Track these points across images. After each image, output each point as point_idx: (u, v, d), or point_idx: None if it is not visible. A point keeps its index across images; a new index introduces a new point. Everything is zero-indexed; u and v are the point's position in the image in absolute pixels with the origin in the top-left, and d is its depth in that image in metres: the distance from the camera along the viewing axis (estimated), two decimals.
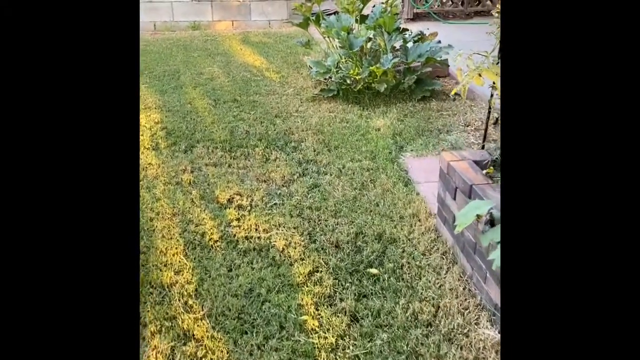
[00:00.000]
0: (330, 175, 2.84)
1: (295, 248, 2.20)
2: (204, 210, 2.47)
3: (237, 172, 2.87)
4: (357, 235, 2.29)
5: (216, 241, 2.24)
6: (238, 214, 2.45)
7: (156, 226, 2.33)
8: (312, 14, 4.35)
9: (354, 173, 2.86)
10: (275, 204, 2.56)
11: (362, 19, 4.23)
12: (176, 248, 2.18)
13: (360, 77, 3.84)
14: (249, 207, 2.51)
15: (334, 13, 4.83)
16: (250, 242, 2.24)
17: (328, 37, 4.30)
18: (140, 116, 3.61)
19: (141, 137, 3.27)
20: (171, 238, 2.25)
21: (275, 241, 2.24)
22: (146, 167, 2.88)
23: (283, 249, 2.20)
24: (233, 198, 2.60)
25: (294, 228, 2.34)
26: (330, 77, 4.13)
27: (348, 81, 3.95)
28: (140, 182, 2.71)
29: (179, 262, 2.10)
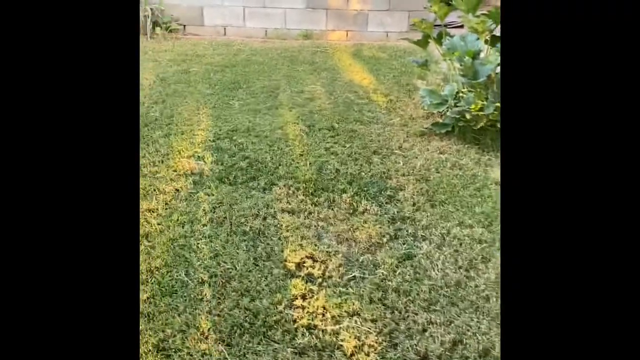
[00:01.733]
0: (430, 243, 2.30)
1: (369, 355, 1.70)
2: (266, 277, 2.07)
3: (316, 226, 2.43)
4: (454, 346, 1.73)
5: (271, 327, 1.82)
6: (305, 287, 2.01)
7: (205, 294, 1.96)
8: (437, 25, 3.79)
9: (461, 244, 2.29)
10: (353, 277, 2.09)
11: (494, 40, 3.58)
12: (220, 332, 1.79)
13: (483, 113, 3.22)
14: (320, 279, 2.07)
15: (461, 26, 4.23)
16: (313, 335, 1.78)
17: (449, 59, 3.72)
18: (225, 140, 3.34)
19: (219, 167, 2.97)
20: (219, 314, 1.87)
21: (343, 339, 1.76)
22: (215, 207, 2.56)
23: (352, 353, 1.71)
24: (304, 262, 2.17)
25: (372, 321, 1.85)
26: (446, 110, 3.55)
27: (467, 116, 3.34)
28: (204, 227, 2.38)
29: (219, 354, 1.71)
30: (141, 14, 6.45)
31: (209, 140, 3.36)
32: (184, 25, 6.88)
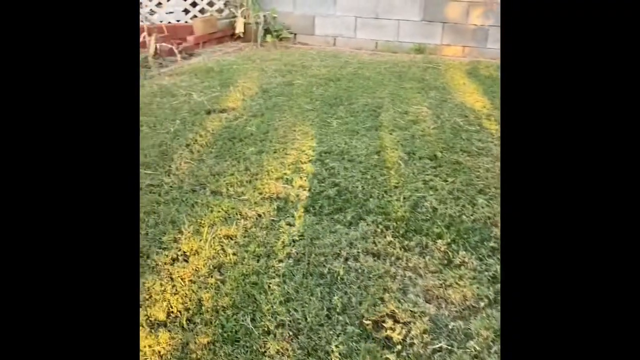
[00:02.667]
0: None
1: None
2: (338, 335, 1.85)
3: (402, 276, 2.16)
4: None
5: None
6: (381, 355, 1.76)
7: (268, 348, 1.79)
8: None
9: None
10: (439, 349, 1.79)
11: None
12: None
13: None
14: (399, 345, 1.80)
15: None
16: None
17: None
18: (316, 163, 3.17)
19: (306, 193, 2.81)
20: None
21: None
22: (295, 241, 2.39)
23: None
24: (383, 322, 1.91)
25: None
26: None
27: None
28: (279, 264, 2.22)
29: None
30: (253, 21, 6.56)
31: (300, 161, 3.21)
32: (295, 34, 6.90)
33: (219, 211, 2.62)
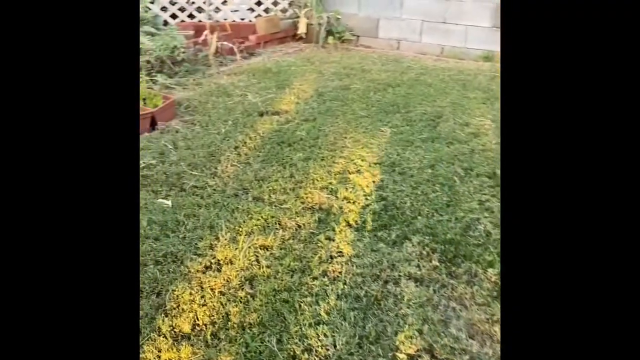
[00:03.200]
0: None
1: None
2: None
3: (445, 307, 2.00)
4: None
5: None
6: None
7: None
8: None
9: None
10: None
11: None
12: None
13: None
14: None
15: None
16: None
17: None
18: (365, 174, 3.04)
19: (350, 206, 2.69)
20: None
21: None
22: (333, 257, 2.28)
23: None
24: (419, 356, 1.77)
25: None
26: None
27: None
28: (313, 282, 2.11)
29: None
30: (315, 22, 6.50)
31: (348, 171, 3.09)
32: (358, 36, 6.78)
33: (258, 219, 2.55)
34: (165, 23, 6.26)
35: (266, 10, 6.75)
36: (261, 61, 5.57)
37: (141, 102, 3.83)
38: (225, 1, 6.46)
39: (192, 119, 3.87)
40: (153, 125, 3.73)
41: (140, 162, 3.13)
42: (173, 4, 6.30)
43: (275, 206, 2.68)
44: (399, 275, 2.18)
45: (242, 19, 6.70)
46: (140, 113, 3.66)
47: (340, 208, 2.68)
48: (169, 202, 2.68)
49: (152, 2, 6.08)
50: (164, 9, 6.29)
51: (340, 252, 2.33)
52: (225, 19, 6.48)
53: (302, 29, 6.58)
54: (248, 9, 6.79)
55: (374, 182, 2.96)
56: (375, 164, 3.19)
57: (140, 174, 2.99)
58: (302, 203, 2.72)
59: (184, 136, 3.54)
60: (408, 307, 1.99)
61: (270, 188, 2.86)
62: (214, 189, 2.84)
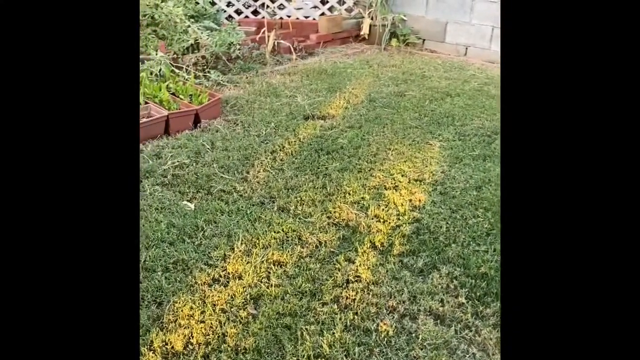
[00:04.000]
0: None
1: None
2: None
3: (464, 352, 1.80)
4: None
5: None
6: None
7: None
8: None
9: None
10: None
11: None
12: None
13: None
14: None
15: None
16: None
17: None
18: (401, 192, 2.85)
19: (378, 226, 2.52)
20: None
21: None
22: (348, 282, 2.13)
23: None
24: None
25: None
26: None
27: None
28: (322, 308, 1.98)
29: None
30: (379, 23, 6.31)
31: (384, 186, 2.92)
32: (423, 40, 6.52)
33: (278, 231, 2.44)
34: (231, 18, 6.31)
35: (330, 9, 6.64)
36: (318, 61, 5.47)
37: (186, 99, 3.84)
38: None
39: (236, 119, 3.83)
40: (197, 122, 3.72)
41: (174, 160, 3.11)
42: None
43: (300, 219, 2.56)
44: (419, 310, 1.99)
45: (307, 17, 6.63)
46: (184, 110, 3.67)
47: (368, 227, 2.51)
48: (192, 206, 2.64)
49: None
50: (229, 4, 6.35)
51: (359, 276, 2.17)
52: (289, 16, 6.44)
53: (365, 30, 6.41)
54: (312, 7, 6.71)
55: (410, 200, 2.77)
56: (415, 180, 3.00)
57: (171, 173, 2.97)
58: (329, 218, 2.58)
59: (224, 136, 3.50)
60: (421, 349, 1.81)
61: (298, 198, 2.74)
62: (241, 195, 2.77)
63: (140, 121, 3.46)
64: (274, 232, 2.44)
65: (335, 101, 4.27)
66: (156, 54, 4.22)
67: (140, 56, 4.44)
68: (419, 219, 2.60)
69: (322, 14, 6.58)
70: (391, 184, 2.94)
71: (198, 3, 5.42)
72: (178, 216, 2.53)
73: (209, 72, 4.66)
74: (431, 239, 2.44)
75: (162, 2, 4.81)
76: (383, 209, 2.67)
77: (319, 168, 3.10)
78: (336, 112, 4.05)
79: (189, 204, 2.66)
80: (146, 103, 3.75)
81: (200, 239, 2.37)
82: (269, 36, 5.35)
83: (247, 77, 4.83)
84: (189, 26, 4.82)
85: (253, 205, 2.68)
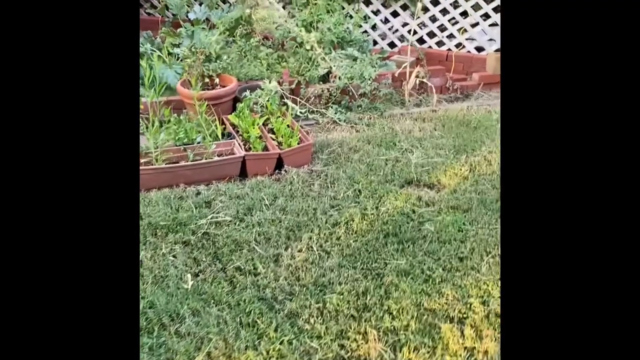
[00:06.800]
0: None
1: None
2: None
3: None
4: None
5: None
6: None
7: None
8: None
9: None
10: None
11: None
12: None
13: None
14: None
15: None
16: None
17: None
18: (464, 333, 2.03)
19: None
20: None
21: None
22: None
23: None
24: None
25: None
26: None
27: None
28: None
29: None
30: None
31: (446, 315, 2.12)
32: None
33: (261, 353, 1.88)
34: (393, 46, 5.83)
35: None
36: (465, 108, 4.63)
37: (275, 140, 3.47)
38: (465, 30, 5.65)
39: (322, 171, 3.33)
40: (279, 167, 3.33)
41: (217, 215, 2.75)
42: (404, 25, 5.82)
43: (304, 339, 1.96)
44: None
45: (480, 50, 5.78)
46: (262, 153, 3.30)
47: None
48: (190, 284, 2.22)
49: (373, 28, 5.72)
50: (394, 30, 5.86)
51: None
52: (461, 47, 5.69)
53: None
54: (489, 40, 5.82)
55: (473, 350, 1.94)
56: (497, 315, 2.13)
57: (204, 231, 2.61)
58: (342, 347, 1.93)
59: (292, 193, 3.03)
60: None
61: (320, 304, 2.13)
62: (256, 281, 2.26)
63: (213, 158, 3.20)
64: (257, 351, 1.88)
65: (457, 166, 3.47)
66: (269, 83, 3.93)
67: (251, 83, 4.23)
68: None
69: (497, 50, 5.66)
70: (459, 313, 2.13)
71: (348, 29, 5.05)
72: (166, 294, 2.15)
73: (328, 107, 4.24)
74: None
75: (298, 28, 4.54)
76: (427, 355, 1.90)
77: (374, 263, 2.42)
78: (449, 181, 3.26)
79: (190, 279, 2.25)
80: (230, 137, 3.49)
81: (167, 336, 1.94)
82: (411, 71, 4.72)
83: (369, 118, 4.28)
84: (322, 55, 4.47)
85: (260, 300, 2.15)
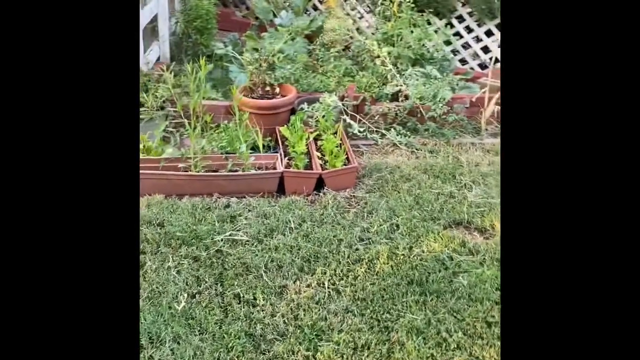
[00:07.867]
0: None
1: None
2: None
3: None
4: None
5: None
6: None
7: None
8: None
9: None
10: None
11: None
12: None
13: None
14: None
15: None
16: None
17: None
18: None
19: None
20: None
21: None
22: None
23: None
24: None
25: None
26: None
27: None
28: None
29: None
30: None
31: None
32: None
33: None
34: (484, 67, 5.45)
35: None
36: None
37: (320, 159, 3.31)
38: None
39: (363, 197, 3.12)
40: (319, 187, 3.17)
41: (236, 233, 2.64)
42: (500, 46, 5.41)
43: None
44: None
45: None
46: (301, 172, 3.16)
47: None
48: (182, 305, 2.12)
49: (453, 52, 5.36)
50: (487, 51, 5.47)
51: None
52: None
53: None
54: None
55: None
56: None
57: (218, 248, 2.51)
58: None
59: (323, 218, 2.85)
60: None
61: (312, 354, 1.93)
62: (250, 315, 2.11)
63: (250, 171, 3.11)
64: None
65: None
66: (329, 97, 3.78)
67: (313, 95, 4.09)
68: None
69: None
70: None
71: (425, 46, 4.78)
72: (155, 312, 2.06)
73: (391, 128, 4.01)
74: None
75: (378, 45, 4.35)
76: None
77: (386, 313, 2.18)
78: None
79: (183, 302, 2.15)
80: (275, 150, 3.39)
81: None
82: (491, 97, 4.34)
83: (434, 144, 3.97)
84: (392, 72, 4.25)
85: (247, 335, 2.00)
